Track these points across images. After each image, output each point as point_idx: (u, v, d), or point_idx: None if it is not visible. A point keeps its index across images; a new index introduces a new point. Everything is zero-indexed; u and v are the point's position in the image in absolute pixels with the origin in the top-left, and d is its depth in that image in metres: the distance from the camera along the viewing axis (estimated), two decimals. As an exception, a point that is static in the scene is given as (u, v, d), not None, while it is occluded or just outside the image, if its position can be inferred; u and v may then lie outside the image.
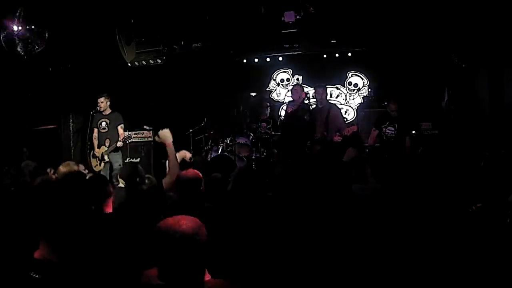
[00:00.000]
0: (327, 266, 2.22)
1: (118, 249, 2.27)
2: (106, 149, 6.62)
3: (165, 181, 3.47)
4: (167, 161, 3.79)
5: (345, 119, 8.03)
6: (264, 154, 7.44)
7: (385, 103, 6.48)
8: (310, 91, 8.16)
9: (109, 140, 6.66)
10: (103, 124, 6.77)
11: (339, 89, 8.43)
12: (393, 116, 6.19)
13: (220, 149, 7.24)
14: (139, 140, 7.62)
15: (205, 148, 7.55)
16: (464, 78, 7.14)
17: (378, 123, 6.34)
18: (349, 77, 8.39)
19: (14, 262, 1.78)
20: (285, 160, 6.17)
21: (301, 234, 2.38)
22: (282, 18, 6.56)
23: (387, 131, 6.24)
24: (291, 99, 6.83)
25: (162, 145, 3.78)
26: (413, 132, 6.29)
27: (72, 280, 1.73)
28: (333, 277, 2.21)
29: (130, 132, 7.06)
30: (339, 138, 6.12)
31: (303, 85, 7.68)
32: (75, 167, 3.95)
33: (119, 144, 6.54)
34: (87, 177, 3.51)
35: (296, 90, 6.59)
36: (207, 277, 1.63)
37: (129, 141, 6.80)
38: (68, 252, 1.80)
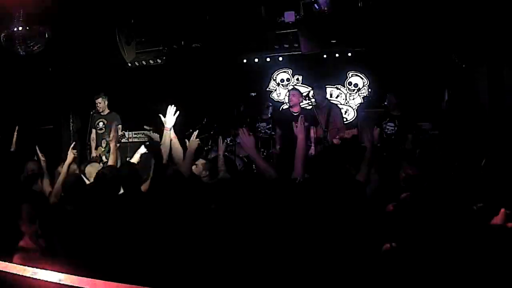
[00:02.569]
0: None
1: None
2: (103, 149, 6.60)
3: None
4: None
5: (345, 119, 8.04)
6: (264, 154, 7.44)
7: (387, 95, 6.49)
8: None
9: (106, 141, 6.63)
10: (100, 124, 6.75)
11: (339, 89, 8.43)
12: (393, 112, 6.23)
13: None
14: (140, 140, 7.61)
15: (205, 149, 7.55)
16: (464, 78, 7.14)
17: (378, 120, 6.35)
18: (349, 77, 8.39)
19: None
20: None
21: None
22: (282, 18, 6.56)
23: (387, 127, 6.25)
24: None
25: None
26: (414, 132, 6.31)
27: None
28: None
29: (126, 132, 7.04)
30: (338, 141, 6.08)
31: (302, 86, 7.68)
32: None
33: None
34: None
35: (294, 94, 6.39)
36: None
37: (123, 140, 6.68)
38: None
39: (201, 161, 4.90)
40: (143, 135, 7.63)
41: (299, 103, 6.13)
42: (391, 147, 6.11)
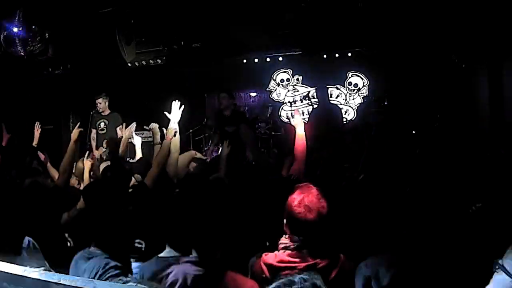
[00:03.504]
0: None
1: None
2: (105, 150, 6.59)
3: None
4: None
5: (345, 119, 8.05)
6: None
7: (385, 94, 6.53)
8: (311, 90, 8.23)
9: (107, 141, 6.62)
10: (102, 125, 6.74)
11: (339, 89, 8.43)
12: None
13: (220, 149, 7.24)
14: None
15: (205, 149, 7.55)
16: (464, 78, 7.14)
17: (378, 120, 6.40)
18: (349, 77, 8.39)
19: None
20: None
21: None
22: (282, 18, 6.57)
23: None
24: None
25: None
26: (413, 132, 6.32)
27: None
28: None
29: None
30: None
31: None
32: None
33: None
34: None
35: (224, 98, 6.29)
36: None
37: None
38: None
39: (192, 164, 4.91)
40: (143, 136, 7.63)
41: (230, 105, 6.22)
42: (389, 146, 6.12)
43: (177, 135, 3.98)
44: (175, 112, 3.90)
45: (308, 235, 2.10)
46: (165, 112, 3.95)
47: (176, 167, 3.87)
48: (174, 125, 3.84)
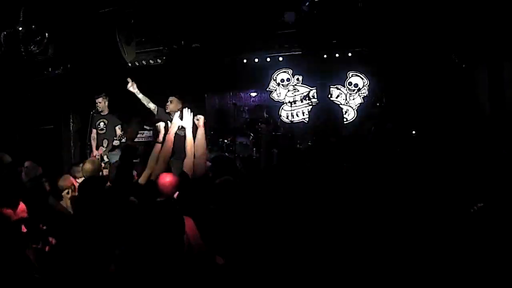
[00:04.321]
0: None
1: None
2: (104, 149, 6.60)
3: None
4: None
5: (345, 119, 8.05)
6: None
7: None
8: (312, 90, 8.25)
9: (107, 141, 6.63)
10: (101, 124, 6.75)
11: (339, 89, 8.43)
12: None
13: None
14: (140, 140, 7.60)
15: (205, 148, 7.55)
16: (464, 78, 7.14)
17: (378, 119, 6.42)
18: (349, 77, 8.39)
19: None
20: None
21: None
22: (282, 18, 6.57)
23: (386, 126, 6.30)
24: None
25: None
26: (413, 132, 6.32)
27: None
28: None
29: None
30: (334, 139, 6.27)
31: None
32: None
33: (115, 143, 6.50)
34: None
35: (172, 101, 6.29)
36: None
37: (123, 140, 6.71)
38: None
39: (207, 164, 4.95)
40: (143, 135, 7.65)
41: (176, 109, 6.20)
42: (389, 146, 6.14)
43: (190, 135, 4.13)
44: (187, 118, 4.22)
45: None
46: (177, 118, 4.29)
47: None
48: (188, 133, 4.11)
